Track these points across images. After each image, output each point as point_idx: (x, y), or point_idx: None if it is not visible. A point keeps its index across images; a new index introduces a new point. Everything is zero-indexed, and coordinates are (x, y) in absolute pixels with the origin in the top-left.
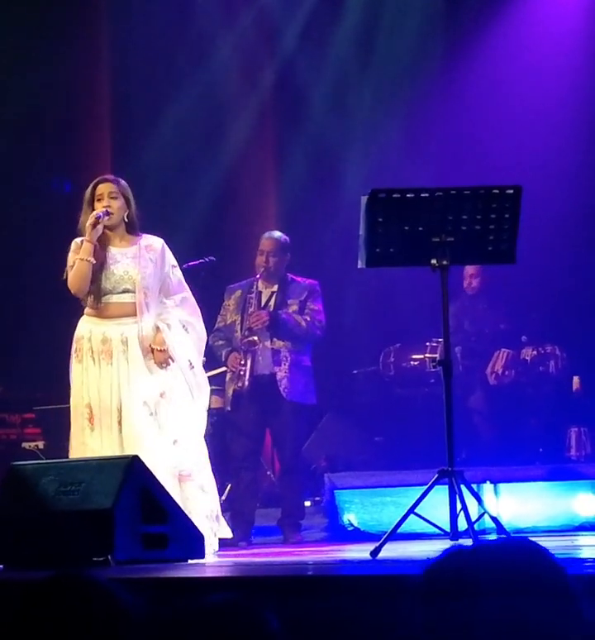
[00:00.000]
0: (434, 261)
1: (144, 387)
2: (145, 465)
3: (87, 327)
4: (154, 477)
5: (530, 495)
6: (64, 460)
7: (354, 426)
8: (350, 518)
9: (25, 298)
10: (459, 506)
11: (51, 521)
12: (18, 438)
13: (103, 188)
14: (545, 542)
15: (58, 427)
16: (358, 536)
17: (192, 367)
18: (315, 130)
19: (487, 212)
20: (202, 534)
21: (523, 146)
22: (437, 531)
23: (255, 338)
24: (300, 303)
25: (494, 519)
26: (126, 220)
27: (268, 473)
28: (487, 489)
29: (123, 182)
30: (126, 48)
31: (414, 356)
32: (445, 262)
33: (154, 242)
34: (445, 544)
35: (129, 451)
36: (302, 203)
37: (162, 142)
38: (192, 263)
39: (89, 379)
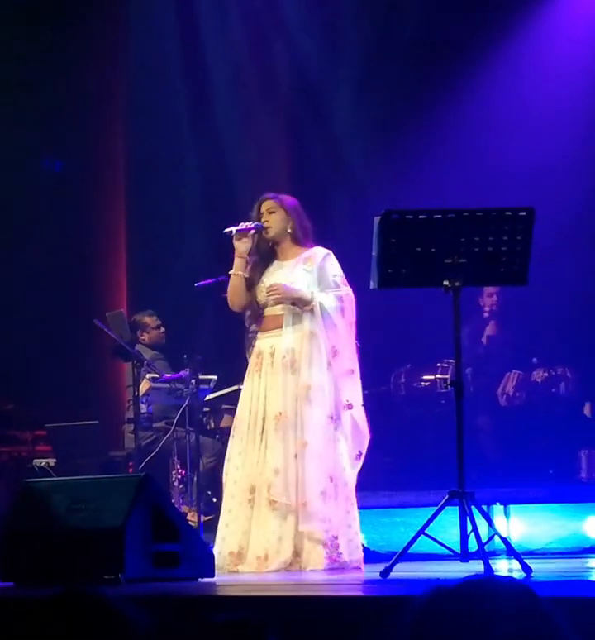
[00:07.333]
0: (446, 283)
1: (277, 400)
2: (157, 483)
3: (256, 344)
4: (165, 495)
5: (540, 517)
6: (75, 477)
7: None
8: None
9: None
10: (469, 527)
11: (62, 539)
12: (29, 455)
13: (263, 206)
14: (555, 564)
15: (69, 445)
16: (367, 556)
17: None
18: (331, 144)
19: (499, 234)
20: (212, 553)
21: (536, 165)
22: (447, 552)
23: None
24: None
25: (504, 541)
26: (290, 231)
27: None
28: (497, 510)
29: (286, 197)
30: (134, 36)
31: (425, 377)
32: (457, 283)
33: (317, 253)
34: (456, 565)
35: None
36: (313, 221)
37: (166, 145)
38: (202, 282)
39: (242, 396)
